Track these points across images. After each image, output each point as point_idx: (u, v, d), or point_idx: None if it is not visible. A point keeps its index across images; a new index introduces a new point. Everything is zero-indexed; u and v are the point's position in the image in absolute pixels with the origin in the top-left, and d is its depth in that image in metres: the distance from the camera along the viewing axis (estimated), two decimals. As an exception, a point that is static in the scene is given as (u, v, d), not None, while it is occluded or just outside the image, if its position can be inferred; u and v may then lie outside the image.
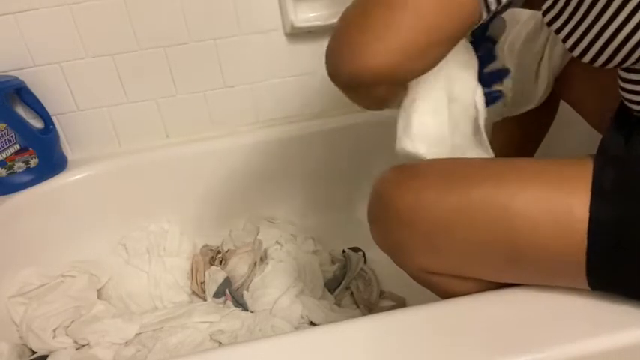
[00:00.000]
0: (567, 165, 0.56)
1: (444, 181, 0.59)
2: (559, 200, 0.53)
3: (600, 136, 0.63)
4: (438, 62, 0.53)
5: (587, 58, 0.53)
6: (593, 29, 0.49)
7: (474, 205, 0.56)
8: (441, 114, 0.62)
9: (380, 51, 0.48)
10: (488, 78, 0.68)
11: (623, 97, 0.55)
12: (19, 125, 1.07)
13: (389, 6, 0.48)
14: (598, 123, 0.75)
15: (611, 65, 0.52)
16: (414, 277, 0.66)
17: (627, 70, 0.53)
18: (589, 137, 0.76)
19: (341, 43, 0.51)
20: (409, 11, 0.47)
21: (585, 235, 0.52)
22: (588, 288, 0.56)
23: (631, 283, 0.54)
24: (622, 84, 0.55)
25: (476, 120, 0.64)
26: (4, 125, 1.04)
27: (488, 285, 0.62)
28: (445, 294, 0.65)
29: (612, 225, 0.51)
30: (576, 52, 0.53)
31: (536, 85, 0.80)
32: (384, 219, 0.63)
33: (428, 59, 0.51)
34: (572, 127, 0.88)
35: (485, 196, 0.56)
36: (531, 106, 0.81)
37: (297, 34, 1.12)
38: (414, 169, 0.63)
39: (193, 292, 1.10)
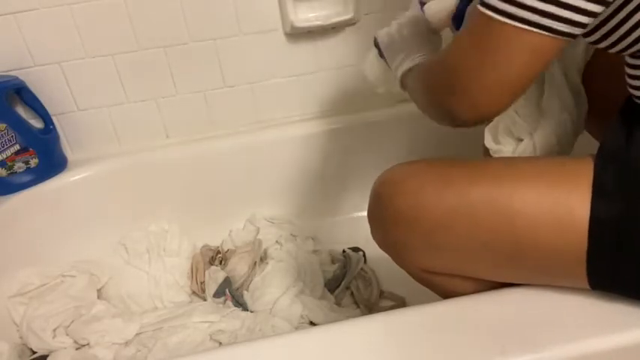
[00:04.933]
0: (568, 163, 0.56)
1: (444, 180, 0.59)
2: (559, 199, 0.53)
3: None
4: None
5: (603, 45, 0.52)
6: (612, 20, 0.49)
7: (474, 204, 0.56)
8: None
9: (494, 101, 0.51)
10: None
11: (628, 85, 0.55)
12: (19, 125, 1.07)
13: (485, 67, 0.49)
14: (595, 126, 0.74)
15: (620, 50, 0.51)
16: (414, 277, 0.66)
17: (633, 56, 0.52)
18: (589, 137, 0.76)
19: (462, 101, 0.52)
20: (505, 67, 0.48)
21: (586, 234, 0.52)
22: (588, 287, 0.56)
23: (631, 282, 0.54)
24: (629, 70, 0.54)
25: None
26: (4, 125, 1.04)
27: (488, 285, 0.62)
28: (445, 294, 0.65)
29: (613, 224, 0.51)
30: (591, 40, 0.53)
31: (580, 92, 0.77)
32: (384, 219, 0.63)
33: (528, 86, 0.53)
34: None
35: (485, 195, 0.56)
36: (585, 107, 0.78)
37: (297, 34, 1.12)
38: (413, 169, 0.63)
39: (193, 292, 1.10)
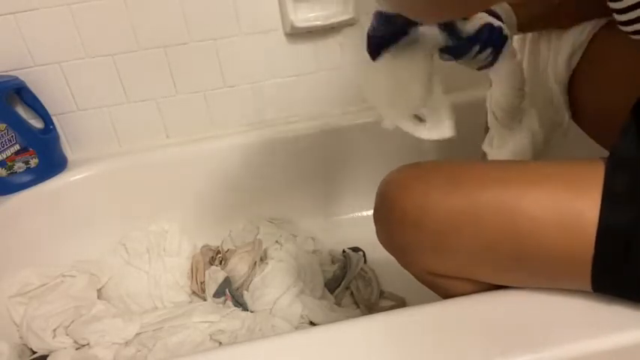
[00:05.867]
0: (577, 167, 0.55)
1: (451, 182, 0.58)
2: (568, 203, 0.52)
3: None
4: None
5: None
6: None
7: (481, 206, 0.55)
8: None
9: None
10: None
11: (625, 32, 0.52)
12: (19, 125, 1.07)
13: None
14: (596, 134, 0.74)
15: None
16: (419, 279, 0.66)
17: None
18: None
19: None
20: None
21: (594, 240, 0.51)
22: (590, 290, 0.56)
23: (635, 286, 0.54)
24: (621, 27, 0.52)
25: None
26: (4, 125, 1.04)
27: (492, 288, 0.62)
28: (449, 297, 0.64)
29: (623, 230, 0.50)
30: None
31: (552, 101, 0.77)
32: (390, 220, 0.62)
33: None
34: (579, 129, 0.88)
35: (492, 198, 0.55)
36: (565, 122, 0.77)
37: (297, 34, 1.13)
38: (420, 169, 0.62)
39: (193, 292, 1.10)
